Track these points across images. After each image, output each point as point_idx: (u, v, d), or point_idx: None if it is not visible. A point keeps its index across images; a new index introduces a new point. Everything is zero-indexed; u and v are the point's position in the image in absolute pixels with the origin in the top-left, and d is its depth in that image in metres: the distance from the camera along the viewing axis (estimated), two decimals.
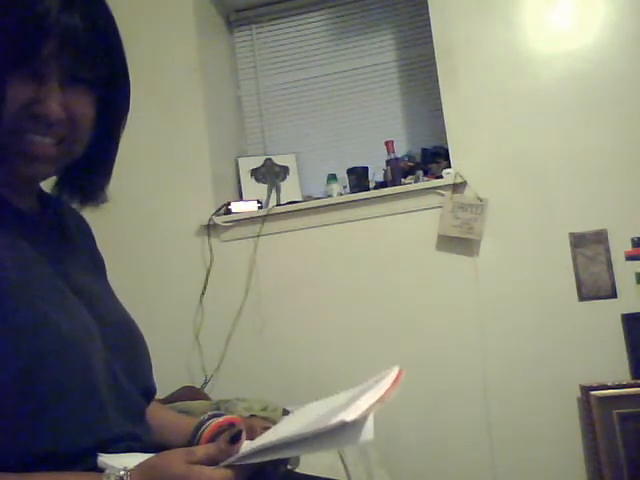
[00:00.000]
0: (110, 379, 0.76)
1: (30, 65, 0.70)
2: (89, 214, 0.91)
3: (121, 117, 0.84)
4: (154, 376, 0.90)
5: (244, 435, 0.66)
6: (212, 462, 0.64)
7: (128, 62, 0.81)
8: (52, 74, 0.71)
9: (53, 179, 0.86)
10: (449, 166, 2.33)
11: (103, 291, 0.89)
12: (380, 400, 0.60)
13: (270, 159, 2.71)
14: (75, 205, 0.88)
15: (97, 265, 0.95)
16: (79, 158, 0.80)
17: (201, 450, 0.66)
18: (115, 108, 0.82)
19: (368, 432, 0.57)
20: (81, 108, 0.75)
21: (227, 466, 0.64)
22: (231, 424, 0.80)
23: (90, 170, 0.84)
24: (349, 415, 0.56)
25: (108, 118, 0.81)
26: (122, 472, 0.64)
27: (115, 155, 0.86)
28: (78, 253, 0.88)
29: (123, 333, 0.84)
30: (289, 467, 0.80)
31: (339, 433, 0.57)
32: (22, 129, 0.71)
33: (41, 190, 0.86)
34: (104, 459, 0.69)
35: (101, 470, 0.67)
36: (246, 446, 0.66)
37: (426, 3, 2.41)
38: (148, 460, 0.66)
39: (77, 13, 0.71)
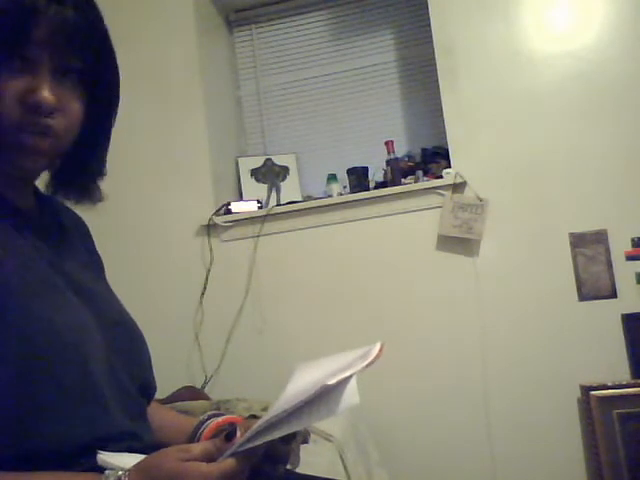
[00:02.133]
0: (111, 377, 0.76)
1: (20, 53, 0.70)
2: (89, 214, 0.91)
3: (111, 110, 0.84)
4: (154, 375, 0.90)
5: (240, 433, 0.67)
6: (209, 460, 0.65)
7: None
8: (43, 64, 0.72)
9: (46, 177, 0.86)
10: (449, 166, 2.33)
11: (102, 289, 0.89)
12: (362, 369, 0.63)
13: (270, 159, 2.71)
14: (71, 204, 0.88)
15: (96, 264, 0.95)
16: (70, 153, 0.80)
17: (198, 447, 0.66)
18: (103, 101, 0.82)
19: (353, 396, 0.59)
20: (70, 101, 0.76)
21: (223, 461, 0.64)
22: (231, 424, 0.80)
23: (81, 165, 0.84)
24: (331, 380, 0.60)
25: (97, 112, 0.81)
26: (120, 472, 0.64)
27: (106, 149, 0.86)
28: (77, 252, 0.88)
29: (123, 331, 0.84)
30: (289, 467, 0.80)
31: (324, 398, 0.60)
32: (18, 123, 0.71)
33: (37, 190, 0.86)
34: (103, 457, 0.69)
35: (101, 468, 0.67)
36: None
37: (426, 3, 2.41)
38: (145, 459, 0.67)
39: (67, 3, 0.72)
